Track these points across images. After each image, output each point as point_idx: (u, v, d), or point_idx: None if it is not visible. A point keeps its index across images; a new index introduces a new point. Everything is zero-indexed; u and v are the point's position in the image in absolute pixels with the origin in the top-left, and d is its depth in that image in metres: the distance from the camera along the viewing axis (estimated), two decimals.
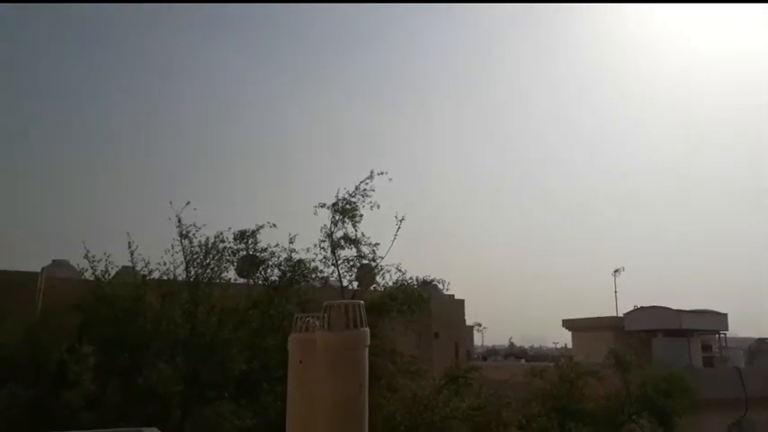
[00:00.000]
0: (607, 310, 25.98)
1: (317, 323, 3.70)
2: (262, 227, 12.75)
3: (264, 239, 13.05)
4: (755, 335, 30.46)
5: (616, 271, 26.92)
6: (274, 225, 12.76)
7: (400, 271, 13.38)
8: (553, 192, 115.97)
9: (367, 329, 3.81)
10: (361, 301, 3.95)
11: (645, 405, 14.91)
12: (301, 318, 3.81)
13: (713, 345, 24.24)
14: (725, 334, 23.94)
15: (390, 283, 13.46)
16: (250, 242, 12.62)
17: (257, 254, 12.75)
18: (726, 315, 23.04)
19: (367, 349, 3.82)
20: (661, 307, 22.56)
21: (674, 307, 22.83)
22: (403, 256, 13.92)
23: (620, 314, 24.77)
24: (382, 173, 13.26)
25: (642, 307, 23.37)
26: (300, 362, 3.72)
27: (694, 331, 22.33)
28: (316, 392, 3.60)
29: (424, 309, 13.68)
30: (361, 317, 3.80)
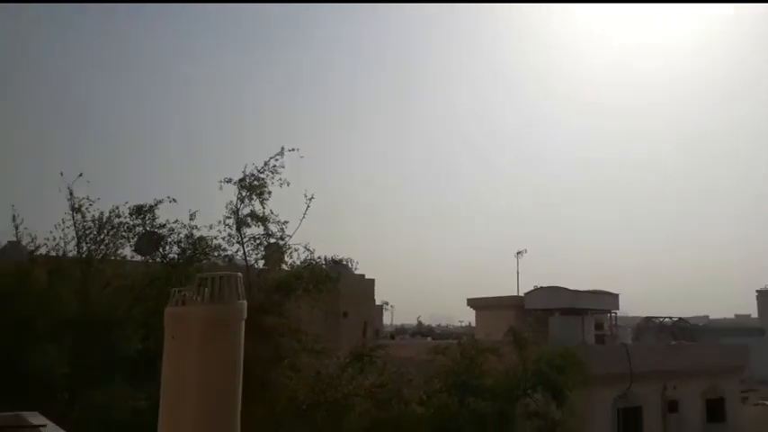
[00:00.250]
0: (510, 290, 27.01)
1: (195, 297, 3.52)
2: (161, 201, 12.21)
3: (165, 215, 12.52)
4: (643, 314, 32.76)
5: (519, 253, 28.00)
6: (174, 200, 12.25)
7: (308, 250, 13.25)
8: (467, 179, 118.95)
9: (243, 302, 3.66)
10: (239, 274, 3.80)
11: (540, 380, 15.59)
12: (179, 291, 3.61)
13: (605, 323, 25.77)
14: (616, 313, 25.53)
15: (298, 263, 13.33)
16: (147, 218, 12.05)
17: (155, 230, 12.21)
18: (617, 296, 24.54)
19: (243, 323, 3.68)
20: (558, 287, 23.73)
21: (571, 287, 24.07)
22: (315, 236, 13.80)
23: (522, 294, 25.82)
24: (293, 149, 13.03)
25: (541, 287, 24.48)
26: (173, 337, 3.54)
27: (588, 310, 23.66)
28: (187, 369, 3.43)
29: (332, 288, 13.64)
30: (237, 290, 3.65)
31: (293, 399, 11.84)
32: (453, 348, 16.73)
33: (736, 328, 56.53)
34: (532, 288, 24.90)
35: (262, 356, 11.32)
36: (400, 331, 41.27)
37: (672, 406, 22.34)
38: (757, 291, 53.46)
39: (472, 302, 26.87)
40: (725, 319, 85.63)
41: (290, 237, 13.06)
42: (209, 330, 3.44)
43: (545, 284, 25.01)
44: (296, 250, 13.00)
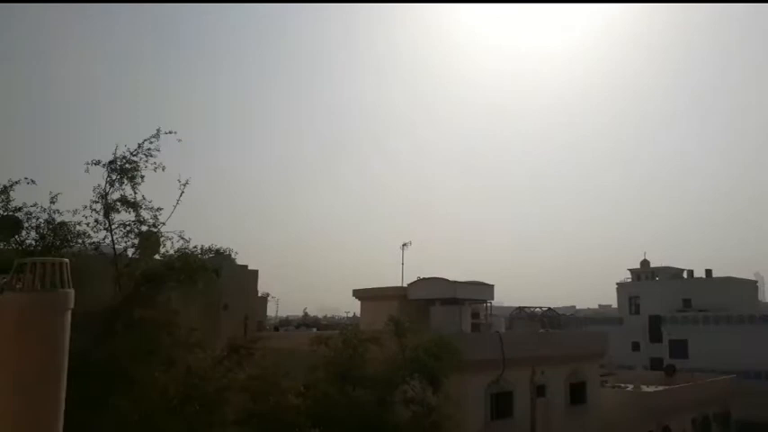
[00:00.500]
0: (395, 281, 27.53)
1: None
2: (17, 182, 11.17)
3: (23, 198, 11.48)
4: (517, 304, 34.60)
5: (404, 245, 28.59)
6: (33, 181, 11.25)
7: (183, 239, 12.69)
8: (374, 176, 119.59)
9: (69, 291, 3.39)
10: (65, 260, 3.52)
11: (417, 367, 16.00)
12: (1, 277, 3.29)
13: (481, 312, 26.93)
14: (491, 303, 26.75)
15: (172, 252, 12.73)
16: (1, 200, 10.99)
17: (11, 214, 11.17)
18: (493, 286, 25.71)
19: (69, 313, 3.41)
20: (439, 278, 24.51)
21: (451, 278, 24.92)
22: (200, 225, 13.25)
23: (406, 285, 26.39)
24: (170, 132, 12.39)
25: (424, 278, 25.17)
26: None
27: (466, 300, 24.62)
28: (4, 360, 3.14)
29: (208, 279, 13.13)
30: (62, 277, 3.38)
31: (164, 394, 11.33)
32: (335, 339, 16.79)
33: (598, 318, 61.34)
34: (415, 279, 25.53)
35: (130, 350, 10.75)
36: (285, 323, 40.84)
37: (540, 390, 23.73)
38: (617, 283, 58.09)
39: (357, 293, 27.11)
40: (589, 309, 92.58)
41: (164, 224, 12.45)
42: (26, 318, 3.15)
43: (428, 275, 25.75)
44: (169, 239, 12.41)
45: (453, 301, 24.06)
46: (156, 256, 13.10)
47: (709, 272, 55.41)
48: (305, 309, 48.64)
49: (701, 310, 48.33)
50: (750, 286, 56.84)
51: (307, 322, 37.09)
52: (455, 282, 24.21)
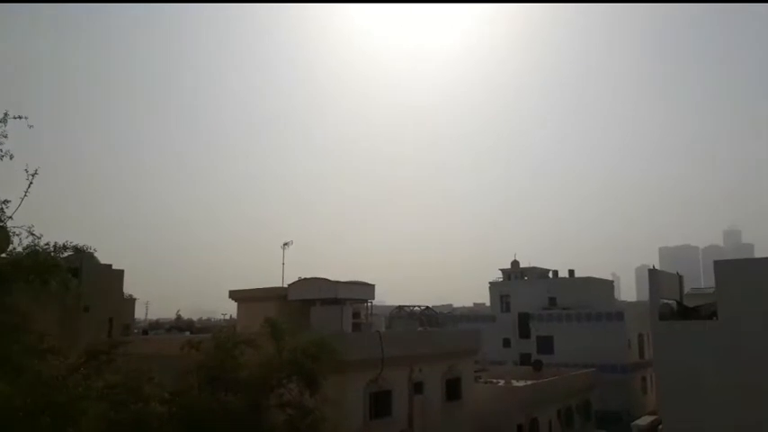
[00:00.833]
0: (276, 282, 26.85)
1: None
2: None
3: None
4: (397, 303, 35.09)
5: (285, 244, 27.95)
6: None
7: (33, 234, 11.38)
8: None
9: None
10: None
11: (295, 369, 15.60)
12: None
13: (362, 312, 26.94)
14: (372, 302, 26.83)
15: (20, 249, 11.38)
16: None
17: None
18: (374, 286, 25.80)
19: None
20: (320, 278, 24.20)
21: (332, 278, 24.69)
22: (61, 221, 11.91)
23: (286, 285, 25.79)
24: (20, 117, 11.03)
25: (305, 278, 24.74)
26: None
27: (347, 300, 24.50)
28: None
29: (63, 279, 11.89)
30: None
31: (7, 405, 10.09)
32: (207, 342, 16.02)
33: (472, 316, 63.80)
34: (296, 279, 25.04)
35: None
36: (155, 326, 38.62)
37: (417, 387, 24.08)
38: (490, 283, 60.71)
39: (234, 295, 26.15)
40: (465, 307, 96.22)
41: (11, 218, 11.10)
42: None
43: (309, 276, 25.33)
44: (17, 234, 11.08)
45: (334, 302, 23.85)
46: (3, 255, 11.69)
47: (572, 272, 59.44)
48: (178, 311, 46.31)
49: (564, 308, 51.67)
50: (607, 285, 61.61)
51: (179, 325, 35.28)
52: (336, 282, 24.01)
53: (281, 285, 25.81)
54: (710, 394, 17.96)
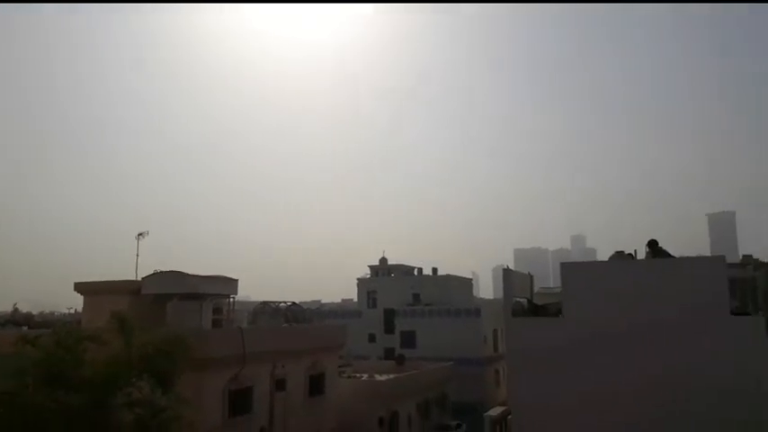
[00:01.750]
0: (129, 274, 25.04)
1: None
2: None
3: None
4: (264, 298, 34.21)
5: (140, 235, 26.19)
6: None
7: None
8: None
9: None
10: None
11: (147, 367, 14.69)
12: None
13: (224, 308, 25.97)
14: (234, 298, 25.95)
15: None
16: None
17: None
18: (237, 281, 24.95)
19: None
20: (178, 272, 22.97)
21: (192, 272, 23.52)
22: None
23: (141, 278, 24.21)
24: None
25: (162, 271, 23.38)
26: None
27: (208, 295, 23.48)
28: None
29: None
30: None
31: None
32: (47, 338, 14.63)
33: (340, 311, 64.15)
34: (152, 272, 23.56)
35: None
36: None
37: (280, 384, 23.67)
38: (358, 279, 61.39)
39: (80, 287, 24.08)
40: (333, 303, 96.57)
41: None
42: None
43: (166, 269, 23.93)
44: None
45: (194, 296, 22.75)
46: None
47: (435, 270, 61.74)
48: (15, 304, 41.91)
49: (427, 304, 53.49)
50: (467, 283, 64.64)
51: (16, 319, 31.95)
52: (195, 276, 22.91)
53: (134, 279, 24.18)
54: (554, 384, 19.25)
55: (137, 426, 14.01)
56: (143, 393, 14.59)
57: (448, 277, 59.29)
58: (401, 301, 55.20)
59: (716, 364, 17.68)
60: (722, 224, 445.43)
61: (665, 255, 19.86)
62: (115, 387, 14.01)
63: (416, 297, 56.05)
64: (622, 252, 21.15)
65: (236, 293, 25.81)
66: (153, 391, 14.60)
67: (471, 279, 70.27)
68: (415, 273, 62.11)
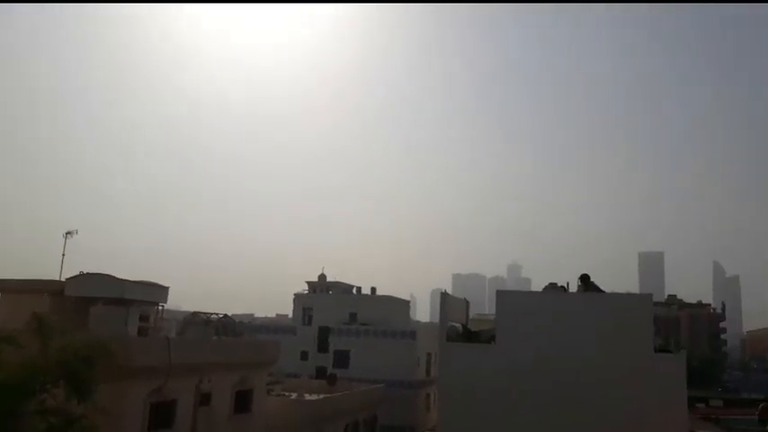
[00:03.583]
0: (54, 274, 23.86)
1: None
2: None
3: None
4: (196, 309, 33.24)
5: (68, 233, 25.05)
6: None
7: None
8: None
9: None
10: None
11: (64, 373, 13.94)
12: None
13: (152, 315, 25.08)
14: (163, 306, 25.12)
15: None
16: None
17: None
18: (167, 288, 24.18)
19: None
20: (105, 274, 22.08)
21: (124, 276, 22.68)
22: None
23: (64, 279, 23.14)
24: None
25: (87, 273, 22.40)
26: None
27: (135, 301, 22.63)
28: None
29: None
30: None
31: None
32: None
33: (273, 326, 63.04)
34: (78, 273, 22.55)
35: None
36: None
37: (204, 399, 22.92)
38: (294, 294, 60.58)
39: None
40: (267, 317, 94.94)
41: None
42: None
43: (95, 271, 22.95)
44: None
45: (120, 302, 21.86)
46: None
47: (374, 290, 61.66)
48: None
49: (363, 324, 53.24)
50: (404, 305, 64.80)
51: None
52: (123, 280, 22.05)
53: (57, 279, 23.07)
54: (484, 411, 19.40)
55: None
56: (57, 401, 13.81)
57: (386, 298, 59.29)
58: (337, 319, 54.74)
59: (637, 398, 18.25)
60: (651, 263, 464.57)
61: (596, 289, 20.48)
62: (28, 393, 13.22)
63: (353, 316, 55.71)
64: (555, 284, 21.69)
65: (165, 301, 25.00)
66: (69, 398, 13.84)
67: (409, 301, 70.54)
68: (354, 291, 61.85)
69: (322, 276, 61.77)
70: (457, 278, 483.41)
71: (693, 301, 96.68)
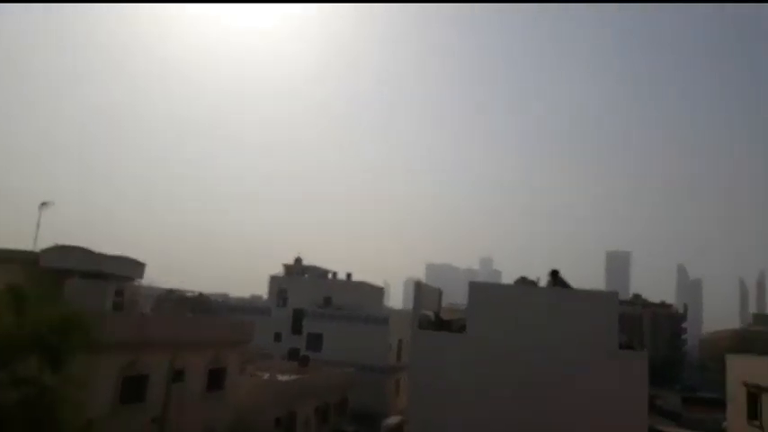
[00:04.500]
0: (26, 244, 23.74)
1: None
2: None
3: None
4: (172, 286, 33.36)
5: (43, 204, 24.87)
6: None
7: None
8: None
9: None
10: None
11: (38, 344, 14.01)
12: None
13: (127, 291, 25.08)
14: (140, 281, 25.15)
15: None
16: None
17: None
18: (144, 265, 24.19)
19: None
20: (81, 247, 22.04)
21: (96, 249, 22.64)
22: None
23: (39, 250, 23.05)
24: None
25: (63, 245, 22.33)
26: None
27: (111, 275, 22.64)
28: None
29: None
30: None
31: None
32: None
33: (247, 307, 63.14)
34: (52, 245, 22.47)
35: None
36: None
37: (177, 375, 23.08)
38: (270, 276, 60.63)
39: None
40: (241, 298, 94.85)
41: None
42: None
43: (73, 243, 22.88)
44: None
45: (96, 275, 21.86)
46: None
47: (349, 275, 61.98)
48: None
49: (337, 308, 53.61)
50: (379, 292, 65.31)
51: None
52: (100, 254, 22.04)
53: (31, 249, 22.96)
54: (452, 398, 19.89)
55: (21, 405, 13.32)
56: (30, 371, 13.90)
57: (361, 284, 59.69)
58: (312, 302, 55.05)
59: (600, 392, 18.86)
60: (617, 262, 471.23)
61: (565, 285, 21.03)
62: (1, 363, 13.29)
63: (328, 300, 56.05)
64: (526, 278, 22.20)
65: (141, 277, 25.07)
66: (42, 369, 13.93)
67: (383, 288, 71.02)
68: (330, 276, 62.11)
69: (298, 260, 61.94)
70: (431, 268, 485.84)
71: (657, 301, 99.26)
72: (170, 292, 28.09)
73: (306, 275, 60.72)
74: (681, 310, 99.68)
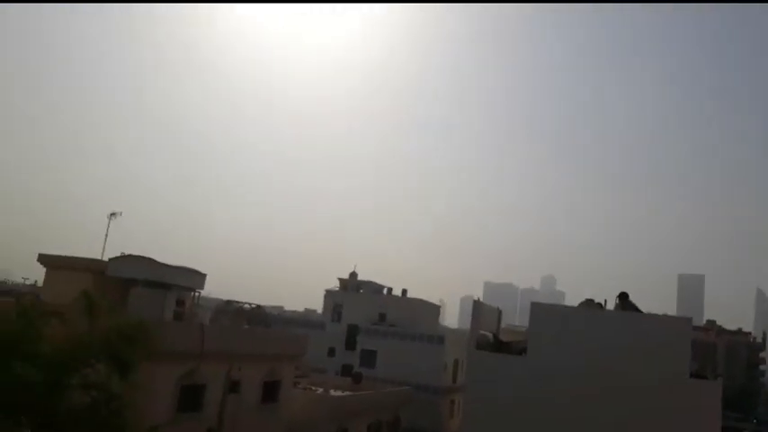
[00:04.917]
0: (96, 253, 24.62)
1: None
2: None
3: None
4: (228, 297, 33.80)
5: (112, 214, 25.75)
6: None
7: None
8: None
9: None
10: None
11: (107, 350, 14.41)
12: None
13: (187, 301, 25.58)
14: (200, 292, 25.62)
15: None
16: None
17: None
18: (205, 275, 24.65)
19: None
20: (146, 257, 22.62)
21: (162, 260, 23.21)
22: None
23: (107, 259, 23.83)
24: None
25: (129, 255, 22.99)
26: None
27: (174, 286, 23.14)
28: None
29: None
30: None
31: None
32: (8, 307, 14.29)
33: (302, 321, 63.64)
34: (119, 254, 23.18)
35: None
36: None
37: (234, 386, 23.33)
38: (326, 290, 60.99)
39: (44, 259, 23.55)
40: (296, 311, 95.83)
41: None
42: None
43: (134, 252, 23.55)
44: None
45: (159, 285, 22.39)
46: None
47: (405, 291, 61.64)
48: None
49: (392, 325, 53.30)
50: (434, 309, 64.67)
51: None
52: (164, 264, 22.57)
53: (100, 258, 23.75)
54: (508, 423, 19.28)
55: (91, 408, 13.68)
56: (100, 377, 14.29)
57: (416, 301, 59.22)
58: (366, 318, 54.93)
59: (669, 423, 17.90)
60: (691, 286, 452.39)
61: (634, 308, 20.16)
62: (74, 367, 13.70)
63: (382, 317, 55.83)
64: (592, 300, 21.40)
65: (202, 288, 25.51)
66: (110, 375, 14.30)
67: (439, 306, 70.35)
68: (384, 292, 61.94)
69: (353, 274, 62.02)
70: (488, 287, 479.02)
71: (733, 327, 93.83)
72: (228, 303, 28.49)
73: (361, 290, 60.71)
74: (759, 339, 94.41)
